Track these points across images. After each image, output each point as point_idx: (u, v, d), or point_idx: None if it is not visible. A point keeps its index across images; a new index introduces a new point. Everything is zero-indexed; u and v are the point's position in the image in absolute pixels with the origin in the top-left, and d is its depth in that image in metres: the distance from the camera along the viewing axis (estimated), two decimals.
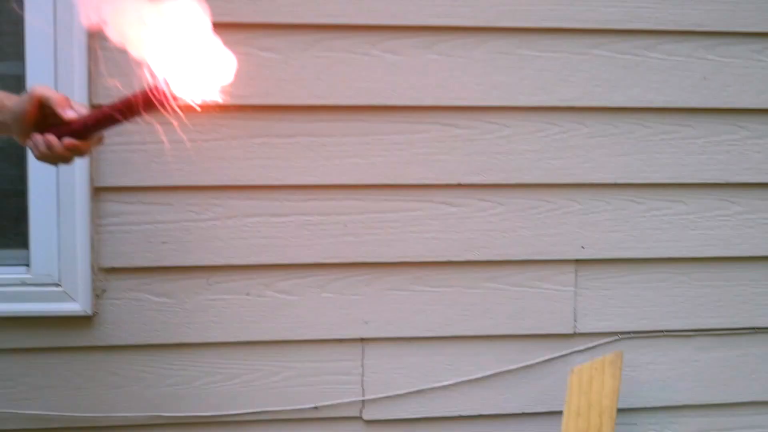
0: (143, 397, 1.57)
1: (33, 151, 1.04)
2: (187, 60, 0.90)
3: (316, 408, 1.62)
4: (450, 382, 1.65)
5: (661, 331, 1.71)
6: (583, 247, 1.66)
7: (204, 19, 0.89)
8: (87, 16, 0.88)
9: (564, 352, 1.69)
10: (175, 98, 0.91)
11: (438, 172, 1.59)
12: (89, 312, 1.50)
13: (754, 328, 1.74)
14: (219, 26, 0.93)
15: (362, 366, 1.62)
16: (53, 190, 1.46)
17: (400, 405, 1.64)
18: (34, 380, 1.54)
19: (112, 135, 1.37)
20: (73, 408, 1.55)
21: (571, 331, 1.67)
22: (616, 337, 1.70)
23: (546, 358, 1.68)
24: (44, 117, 1.03)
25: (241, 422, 1.61)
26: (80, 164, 1.42)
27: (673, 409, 1.74)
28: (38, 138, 1.02)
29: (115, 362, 1.56)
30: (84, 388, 1.55)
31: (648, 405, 1.72)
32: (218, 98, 0.93)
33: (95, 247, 1.51)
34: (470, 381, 1.66)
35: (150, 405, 1.57)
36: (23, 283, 1.48)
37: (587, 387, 1.51)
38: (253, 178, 1.53)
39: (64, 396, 1.55)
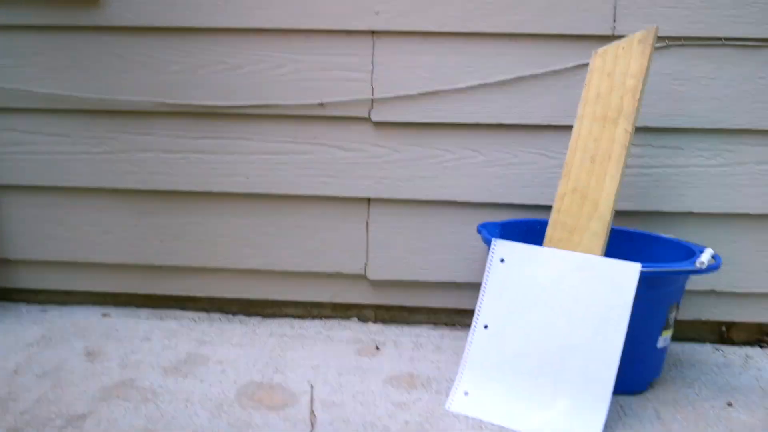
0: (149, 83, 1.56)
1: None
2: None
3: (322, 105, 1.54)
4: (466, 84, 1.52)
5: (720, 39, 1.48)
6: None
7: None
8: None
9: None
10: None
11: None
12: None
13: None
14: None
15: (372, 63, 1.53)
16: None
17: (412, 107, 1.54)
18: (45, 60, 1.57)
19: None
20: (82, 89, 1.57)
21: (609, 32, 1.49)
22: (664, 43, 1.49)
23: (579, 63, 1.50)
24: None
25: (246, 115, 1.57)
26: None
27: (729, 133, 1.52)
28: None
29: (121, 45, 1.56)
30: (92, 69, 1.57)
31: (697, 126, 1.51)
32: None
33: None
34: (489, 85, 1.52)
35: (155, 91, 1.57)
36: None
37: (611, 68, 1.33)
38: None
39: (74, 77, 1.58)
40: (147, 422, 1.20)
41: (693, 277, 1.56)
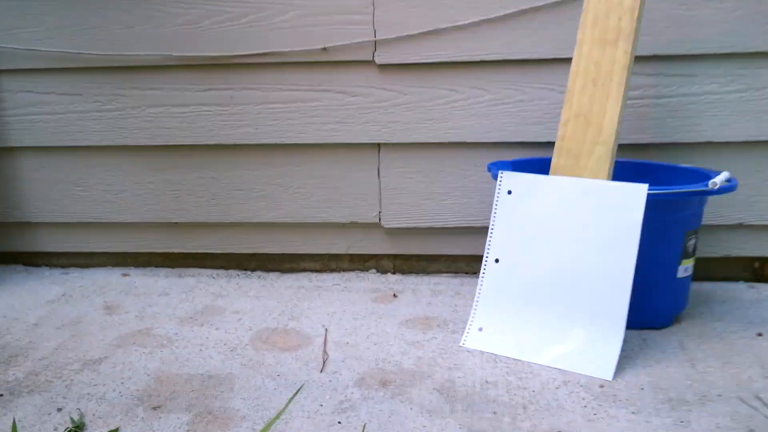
0: (155, 37, 1.58)
1: None
2: None
3: (325, 49, 1.54)
4: (468, 20, 1.49)
5: None
6: None
7: None
8: None
9: None
10: None
11: None
12: None
13: None
14: None
15: (373, 4, 1.51)
16: None
17: (415, 47, 1.52)
18: (54, 19, 1.59)
19: None
20: (91, 46, 1.59)
21: None
22: None
23: None
24: None
25: (252, 65, 1.58)
26: None
27: (743, 57, 1.47)
28: None
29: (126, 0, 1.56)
30: (99, 26, 1.58)
31: (710, 51, 1.46)
32: None
33: None
34: (492, 20, 1.49)
35: (162, 45, 1.58)
36: None
37: None
38: None
39: (82, 34, 1.60)
40: (161, 364, 1.22)
41: (719, 211, 1.52)
